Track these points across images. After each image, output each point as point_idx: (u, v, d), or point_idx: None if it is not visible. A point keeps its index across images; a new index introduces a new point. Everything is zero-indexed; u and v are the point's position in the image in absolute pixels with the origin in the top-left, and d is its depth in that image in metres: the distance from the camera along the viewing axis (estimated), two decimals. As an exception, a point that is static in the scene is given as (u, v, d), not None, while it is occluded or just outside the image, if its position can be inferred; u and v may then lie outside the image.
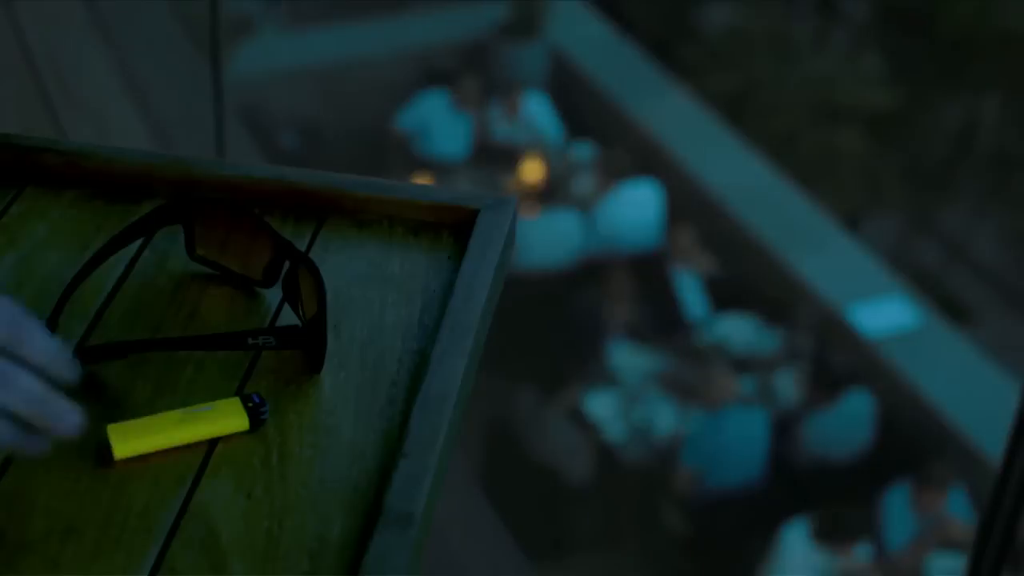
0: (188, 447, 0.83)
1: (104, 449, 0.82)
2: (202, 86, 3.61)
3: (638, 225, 6.36)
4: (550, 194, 6.54)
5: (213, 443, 0.83)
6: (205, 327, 0.92)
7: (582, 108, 7.20)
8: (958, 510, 5.00)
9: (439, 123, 6.89)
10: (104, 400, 0.86)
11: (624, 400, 5.49)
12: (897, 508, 5.02)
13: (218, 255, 0.97)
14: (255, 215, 0.94)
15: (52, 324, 0.90)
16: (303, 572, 0.76)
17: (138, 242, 0.99)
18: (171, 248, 0.99)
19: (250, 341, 0.89)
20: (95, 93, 3.72)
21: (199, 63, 4.16)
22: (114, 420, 0.83)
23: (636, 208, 6.40)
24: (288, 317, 0.94)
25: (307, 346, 0.89)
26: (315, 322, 0.88)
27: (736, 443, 5.24)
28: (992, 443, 4.81)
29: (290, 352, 0.90)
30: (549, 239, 6.27)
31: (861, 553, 4.84)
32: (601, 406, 5.47)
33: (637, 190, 6.46)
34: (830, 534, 4.78)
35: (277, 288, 0.95)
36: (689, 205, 6.54)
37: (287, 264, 0.93)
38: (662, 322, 5.87)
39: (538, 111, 7.05)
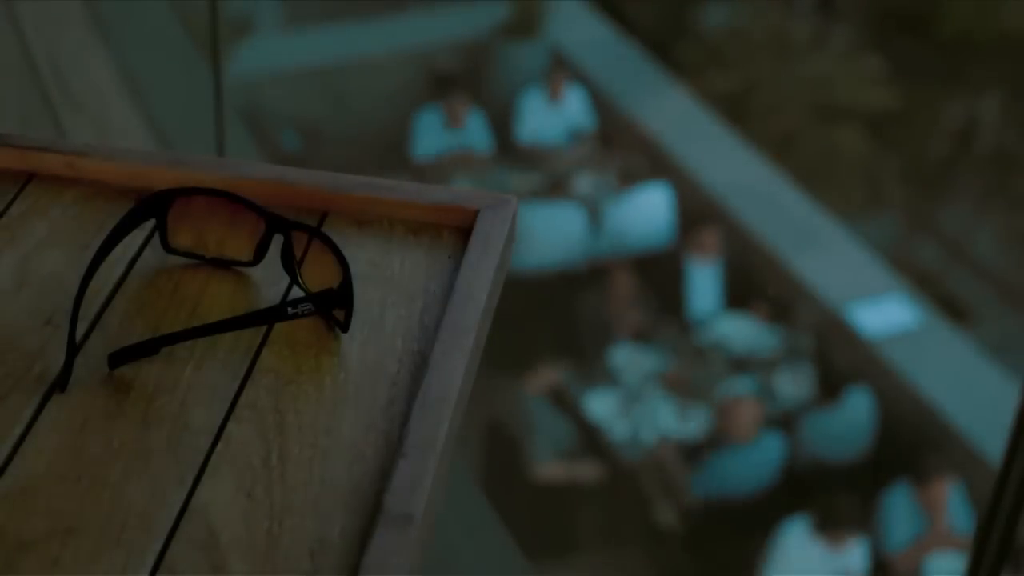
0: (187, 448, 0.83)
1: None
2: (202, 86, 3.61)
3: (648, 227, 6.36)
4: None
5: (215, 441, 0.83)
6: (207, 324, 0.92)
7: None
8: (959, 506, 5.00)
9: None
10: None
11: (624, 400, 5.48)
12: (898, 507, 5.01)
13: (196, 243, 0.96)
14: (232, 194, 0.94)
15: (71, 345, 0.88)
16: (304, 572, 0.75)
17: (139, 242, 0.99)
18: (171, 248, 0.99)
19: (290, 311, 0.90)
20: (95, 93, 3.72)
21: (199, 63, 4.16)
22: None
23: (646, 210, 6.40)
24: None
25: (341, 307, 0.90)
26: (344, 284, 0.90)
27: (749, 469, 5.23)
28: (992, 443, 4.81)
29: (290, 350, 0.90)
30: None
31: (858, 546, 4.84)
32: (601, 406, 5.46)
33: (648, 193, 6.46)
34: (828, 524, 4.78)
35: (273, 275, 0.95)
36: (689, 205, 6.54)
37: (279, 238, 0.94)
38: (663, 322, 5.87)
39: (578, 104, 7.08)
